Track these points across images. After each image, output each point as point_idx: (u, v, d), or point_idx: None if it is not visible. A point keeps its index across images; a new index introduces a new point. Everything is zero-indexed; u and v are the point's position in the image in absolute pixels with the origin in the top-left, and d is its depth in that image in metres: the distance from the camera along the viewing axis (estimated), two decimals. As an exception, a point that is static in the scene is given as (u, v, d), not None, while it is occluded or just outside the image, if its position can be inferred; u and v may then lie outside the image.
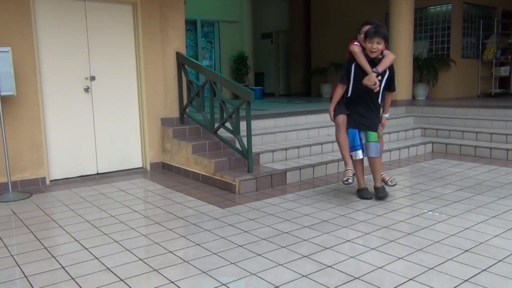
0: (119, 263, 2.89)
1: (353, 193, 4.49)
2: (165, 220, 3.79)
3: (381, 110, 4.35)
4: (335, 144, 6.05)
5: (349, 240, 3.22)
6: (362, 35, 4.14)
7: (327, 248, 3.07)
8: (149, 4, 5.69)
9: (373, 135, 4.14)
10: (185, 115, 6.02)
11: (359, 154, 4.17)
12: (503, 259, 2.82)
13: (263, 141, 5.89)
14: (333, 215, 3.81)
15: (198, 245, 3.20)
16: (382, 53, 4.05)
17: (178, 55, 5.93)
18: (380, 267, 2.74)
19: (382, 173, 4.34)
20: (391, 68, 4.13)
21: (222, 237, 3.34)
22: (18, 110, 4.89)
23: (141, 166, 5.94)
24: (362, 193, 4.31)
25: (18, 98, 4.83)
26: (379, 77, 4.02)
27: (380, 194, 4.23)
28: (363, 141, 4.17)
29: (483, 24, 10.62)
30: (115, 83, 5.63)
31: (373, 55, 4.00)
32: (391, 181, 4.35)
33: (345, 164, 4.30)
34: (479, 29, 10.61)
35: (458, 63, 10.09)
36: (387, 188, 4.35)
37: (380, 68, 4.00)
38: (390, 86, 4.21)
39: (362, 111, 4.15)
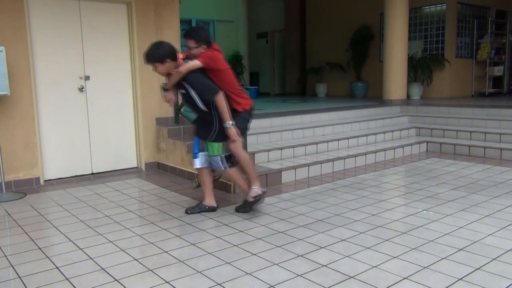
0: (114, 263, 2.88)
1: (347, 192, 4.50)
2: (160, 220, 3.78)
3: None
4: (330, 144, 6.12)
5: (344, 239, 3.23)
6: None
7: (322, 248, 3.07)
8: (143, 4, 5.67)
9: (207, 145, 3.86)
10: (180, 115, 6.01)
11: (195, 162, 3.95)
12: (497, 257, 2.84)
13: (258, 141, 5.88)
14: (328, 215, 3.82)
15: (193, 244, 3.20)
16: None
17: (173, 54, 5.90)
18: (375, 266, 2.75)
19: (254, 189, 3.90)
20: (188, 79, 3.70)
21: (217, 237, 3.34)
22: (12, 109, 4.86)
23: (136, 166, 5.93)
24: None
25: (12, 98, 4.80)
26: (182, 90, 3.82)
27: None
28: None
29: (477, 24, 10.67)
30: (109, 82, 5.61)
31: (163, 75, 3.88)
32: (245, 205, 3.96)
33: None
34: (473, 29, 10.66)
35: (453, 62, 10.13)
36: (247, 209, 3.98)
37: (168, 85, 3.84)
38: (201, 96, 3.74)
39: (198, 120, 4.02)
